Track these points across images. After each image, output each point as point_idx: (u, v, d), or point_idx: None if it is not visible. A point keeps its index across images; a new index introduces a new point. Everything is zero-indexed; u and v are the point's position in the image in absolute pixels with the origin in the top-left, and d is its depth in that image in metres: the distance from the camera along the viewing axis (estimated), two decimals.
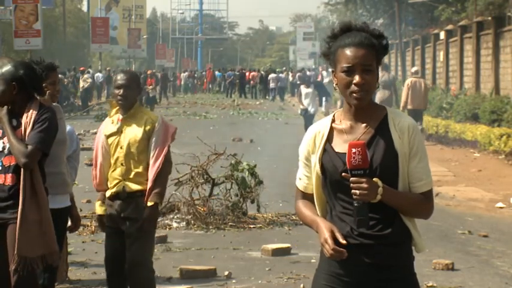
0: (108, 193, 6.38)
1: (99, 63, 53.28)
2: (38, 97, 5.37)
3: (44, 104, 5.38)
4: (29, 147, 5.12)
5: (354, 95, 3.56)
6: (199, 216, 10.93)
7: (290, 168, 14.61)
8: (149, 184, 6.22)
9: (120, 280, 6.42)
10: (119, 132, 6.31)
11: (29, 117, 5.21)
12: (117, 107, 6.36)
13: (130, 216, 6.27)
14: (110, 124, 6.38)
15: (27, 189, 5.13)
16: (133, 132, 6.28)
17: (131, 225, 6.26)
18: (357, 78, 3.55)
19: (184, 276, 8.23)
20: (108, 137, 6.34)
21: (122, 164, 6.27)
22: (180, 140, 22.76)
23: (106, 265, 6.46)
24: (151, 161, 6.23)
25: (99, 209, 6.43)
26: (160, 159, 6.23)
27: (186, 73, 67.43)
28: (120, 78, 6.33)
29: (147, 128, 6.26)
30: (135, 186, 6.28)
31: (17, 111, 5.27)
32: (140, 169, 6.27)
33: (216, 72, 67.59)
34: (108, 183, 6.36)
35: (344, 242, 3.50)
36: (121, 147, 6.29)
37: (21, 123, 5.22)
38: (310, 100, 23.51)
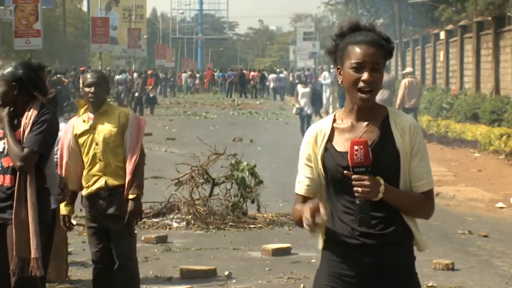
0: (85, 192, 6.41)
1: (99, 63, 53.24)
2: (39, 97, 5.37)
3: (45, 104, 5.37)
4: (25, 150, 5.11)
5: (360, 93, 3.56)
6: (199, 216, 10.93)
7: (290, 168, 14.60)
8: (128, 177, 6.28)
9: (109, 280, 6.45)
10: (91, 129, 6.38)
11: (28, 118, 5.21)
12: (86, 106, 6.44)
13: (116, 213, 6.32)
14: (80, 123, 6.43)
15: (21, 191, 5.13)
16: (108, 128, 6.36)
17: (118, 223, 6.31)
18: (365, 76, 3.54)
19: (184, 276, 8.23)
20: (79, 136, 6.39)
21: (100, 160, 6.34)
22: (180, 140, 22.81)
23: (95, 265, 6.50)
24: (128, 155, 6.32)
25: (64, 209, 6.43)
26: (137, 152, 6.33)
27: (188, 73, 67.52)
28: (90, 76, 6.45)
29: (121, 122, 6.36)
30: (116, 181, 6.33)
31: (18, 112, 5.26)
32: (118, 163, 6.36)
33: (218, 73, 67.67)
34: (84, 182, 6.40)
35: (323, 211, 3.44)
36: (97, 144, 6.35)
37: (21, 124, 5.22)
38: (307, 100, 23.36)
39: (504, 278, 8.41)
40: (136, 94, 35.70)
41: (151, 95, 37.01)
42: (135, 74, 44.76)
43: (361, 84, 3.55)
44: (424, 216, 3.68)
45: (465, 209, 12.87)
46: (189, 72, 67.76)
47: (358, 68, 3.55)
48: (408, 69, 24.41)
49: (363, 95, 3.56)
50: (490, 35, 25.64)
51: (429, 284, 7.94)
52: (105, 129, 6.35)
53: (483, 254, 9.51)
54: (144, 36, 69.91)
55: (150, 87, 37.54)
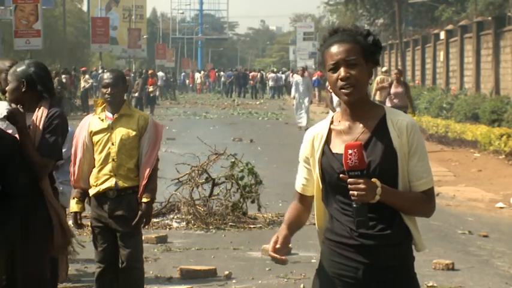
0: (93, 191, 6.41)
1: (99, 63, 53.16)
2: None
3: (53, 104, 5.38)
4: (44, 158, 5.15)
5: (342, 90, 3.57)
6: (199, 216, 10.93)
7: (290, 168, 14.60)
8: (143, 181, 6.31)
9: (111, 279, 6.47)
10: (109, 129, 6.39)
11: (38, 119, 5.21)
12: (103, 105, 6.45)
13: (124, 215, 6.33)
14: (96, 121, 6.44)
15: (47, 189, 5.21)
16: (126, 129, 6.37)
17: (126, 224, 6.32)
18: (341, 73, 3.56)
19: (184, 276, 8.23)
20: (94, 134, 6.40)
21: (113, 160, 6.35)
22: (180, 140, 22.80)
23: (98, 264, 6.51)
24: (144, 158, 6.33)
25: (75, 207, 6.44)
26: (154, 156, 6.37)
27: (202, 73, 68.13)
28: (107, 77, 6.45)
29: (140, 125, 6.39)
30: (126, 183, 6.34)
31: (26, 111, 5.26)
32: (131, 165, 6.37)
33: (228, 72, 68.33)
34: (93, 181, 6.40)
35: (278, 246, 3.63)
36: (112, 144, 6.36)
37: (30, 124, 5.21)
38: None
39: (504, 278, 8.41)
40: (136, 94, 35.67)
41: (151, 95, 36.99)
42: (132, 75, 44.67)
43: (339, 82, 3.57)
44: (425, 215, 3.68)
45: (465, 209, 12.86)
46: (206, 72, 68.25)
47: (335, 68, 3.58)
48: (384, 69, 25.20)
49: (346, 91, 3.57)
50: (490, 35, 25.64)
51: (429, 284, 7.94)
52: (124, 130, 6.36)
53: (483, 254, 9.50)
54: (144, 36, 69.93)
55: (151, 87, 37.50)
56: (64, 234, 5.29)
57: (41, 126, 5.20)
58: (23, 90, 5.28)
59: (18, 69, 5.33)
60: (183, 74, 76.48)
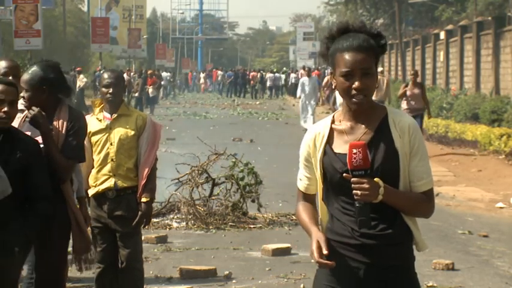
0: (92, 191, 6.42)
1: (99, 63, 53.12)
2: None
3: (72, 107, 5.38)
4: (70, 161, 5.17)
5: (354, 99, 3.55)
6: (199, 216, 10.93)
7: (290, 168, 14.61)
8: (142, 181, 6.31)
9: (111, 279, 6.48)
10: (107, 129, 6.39)
11: (59, 122, 5.20)
12: (101, 106, 6.45)
13: (124, 215, 6.33)
14: (95, 122, 6.45)
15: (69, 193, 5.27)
16: (125, 129, 6.38)
17: (126, 224, 6.32)
18: (356, 84, 3.53)
19: (184, 276, 8.23)
20: (93, 134, 6.41)
21: (112, 160, 6.36)
22: (180, 140, 22.80)
23: (98, 265, 6.51)
24: (143, 158, 6.34)
25: None
26: (152, 156, 6.37)
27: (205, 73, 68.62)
28: (107, 76, 6.44)
29: (139, 125, 6.39)
30: (125, 183, 6.35)
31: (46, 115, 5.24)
32: (130, 165, 6.38)
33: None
34: (92, 181, 6.42)
35: (326, 252, 3.47)
36: (111, 144, 6.37)
37: (52, 127, 5.20)
38: None
39: (504, 278, 8.41)
40: (136, 94, 35.63)
41: (151, 95, 36.94)
42: (134, 74, 44.67)
43: (353, 91, 3.54)
44: (424, 215, 3.68)
45: (465, 209, 12.86)
46: (207, 72, 68.54)
47: (348, 75, 3.53)
48: (379, 69, 25.27)
49: (357, 101, 3.55)
50: (490, 35, 25.65)
51: (429, 284, 7.94)
52: (122, 130, 6.37)
53: (483, 254, 9.51)
54: (144, 36, 69.88)
55: (151, 87, 37.44)
56: (83, 238, 5.29)
57: (63, 129, 5.19)
58: (45, 95, 5.24)
59: (36, 75, 5.24)
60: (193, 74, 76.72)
